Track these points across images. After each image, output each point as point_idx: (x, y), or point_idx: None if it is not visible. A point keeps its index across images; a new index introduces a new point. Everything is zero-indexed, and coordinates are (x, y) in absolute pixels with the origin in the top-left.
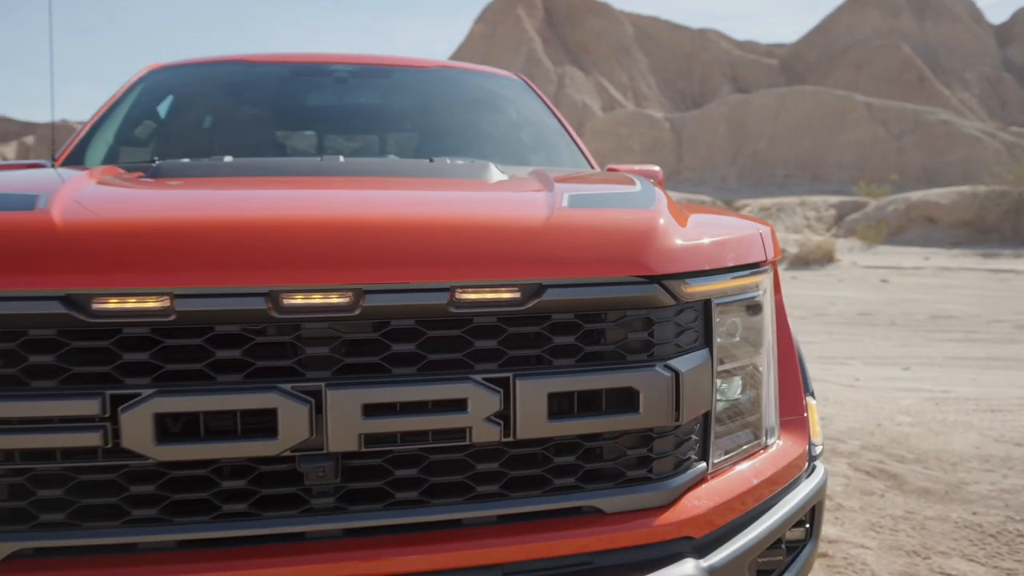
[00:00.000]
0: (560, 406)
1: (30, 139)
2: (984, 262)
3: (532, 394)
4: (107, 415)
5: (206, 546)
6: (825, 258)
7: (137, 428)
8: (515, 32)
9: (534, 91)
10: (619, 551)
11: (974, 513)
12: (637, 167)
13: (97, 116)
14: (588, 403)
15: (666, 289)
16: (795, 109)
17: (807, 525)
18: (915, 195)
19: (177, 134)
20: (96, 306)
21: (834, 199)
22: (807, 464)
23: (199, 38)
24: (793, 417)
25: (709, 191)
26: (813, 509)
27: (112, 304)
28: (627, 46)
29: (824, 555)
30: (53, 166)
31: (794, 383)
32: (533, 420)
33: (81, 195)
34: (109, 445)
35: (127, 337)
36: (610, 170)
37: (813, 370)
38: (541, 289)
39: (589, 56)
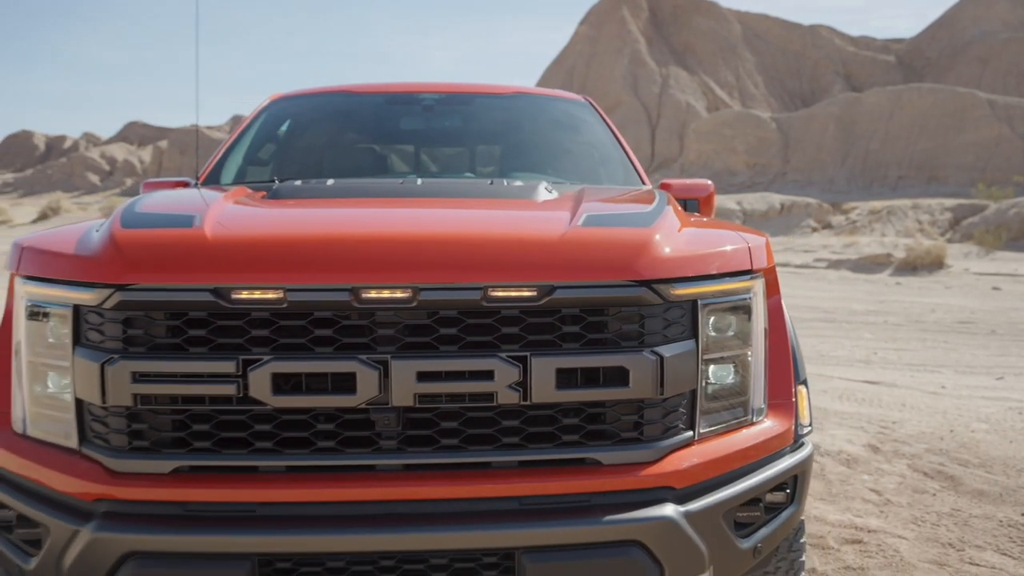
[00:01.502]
0: (566, 379)
1: (164, 143)
2: None
3: (543, 368)
4: (240, 373)
5: (305, 471)
6: (934, 263)
7: (260, 383)
8: (619, 33)
9: (598, 112)
10: (611, 493)
11: (1022, 514)
12: (689, 181)
13: (230, 140)
14: (588, 377)
15: (654, 291)
16: (911, 108)
17: (788, 491)
18: None
19: (293, 155)
20: (233, 296)
21: (950, 202)
22: (793, 440)
23: (315, 45)
24: (781, 401)
25: (816, 193)
26: (796, 478)
27: (244, 295)
28: (734, 45)
29: (859, 541)
30: (196, 184)
31: (785, 372)
32: (543, 388)
33: (222, 215)
34: (240, 395)
35: (254, 318)
36: (663, 185)
37: (898, 377)
38: (553, 289)
39: (694, 56)
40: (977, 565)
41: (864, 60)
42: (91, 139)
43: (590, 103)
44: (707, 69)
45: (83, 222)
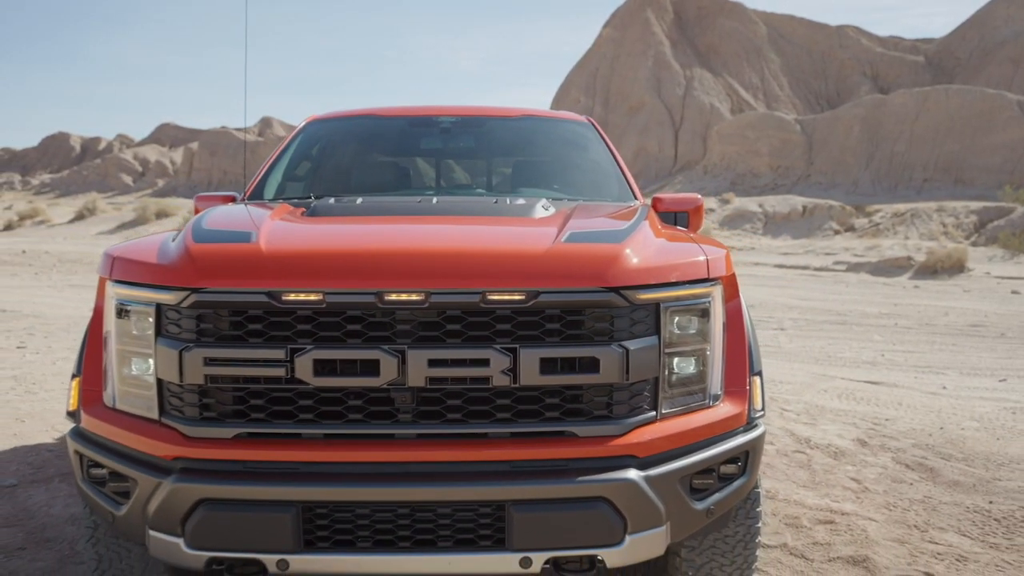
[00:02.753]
0: (548, 367)
1: (194, 145)
2: None
3: (529, 358)
4: (287, 359)
5: (338, 438)
6: (955, 267)
7: (303, 367)
8: (644, 35)
9: (599, 132)
10: (585, 459)
11: (990, 502)
12: (679, 196)
13: (271, 159)
14: (566, 365)
15: (622, 296)
16: (937, 109)
17: (740, 463)
18: None
19: (326, 172)
20: (283, 298)
21: (976, 205)
22: (747, 422)
23: (342, 47)
24: (736, 389)
25: (840, 195)
26: (747, 453)
27: (291, 297)
28: (759, 46)
29: (831, 522)
30: (243, 199)
31: (740, 365)
32: (530, 374)
33: (272, 232)
34: (288, 376)
35: (299, 315)
36: (655, 200)
37: (901, 378)
38: (538, 294)
39: (719, 57)
40: (935, 544)
41: (892, 61)
42: (124, 140)
43: (592, 124)
44: (731, 71)
45: (157, 234)
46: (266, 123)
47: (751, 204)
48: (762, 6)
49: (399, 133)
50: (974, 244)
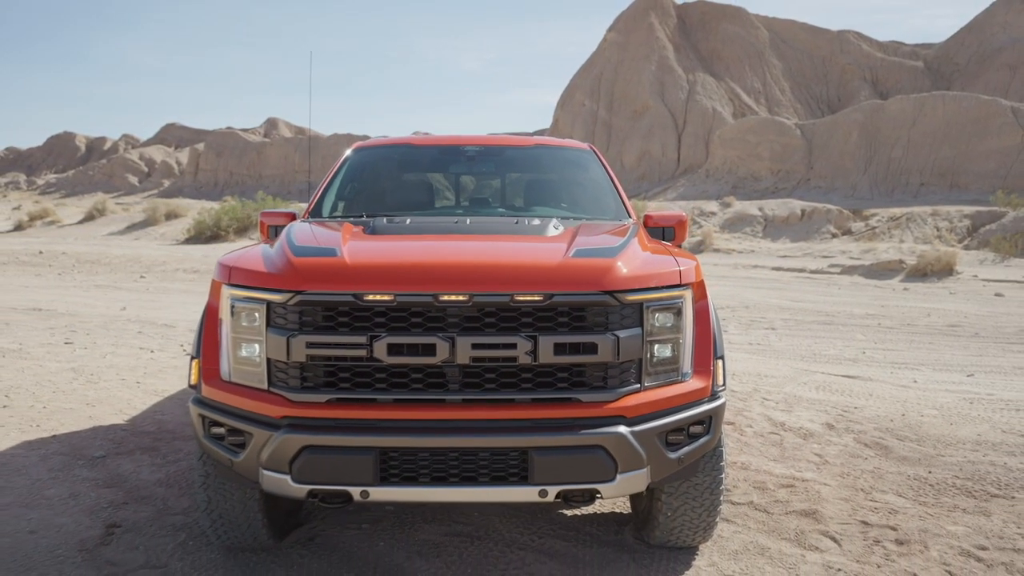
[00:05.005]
0: (560, 349)
1: (200, 146)
2: None
3: (546, 343)
4: (367, 343)
5: (405, 402)
6: (944, 270)
7: (379, 349)
8: (647, 40)
9: (599, 157)
10: (586, 418)
11: (929, 472)
12: (667, 213)
13: (325, 182)
14: (573, 348)
15: (615, 298)
16: (934, 115)
17: (704, 425)
18: None
19: (373, 194)
20: (364, 298)
21: (969, 209)
22: (711, 394)
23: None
24: (703, 368)
25: (838, 199)
26: (711, 417)
27: (370, 298)
28: (760, 51)
29: (791, 486)
30: (305, 216)
31: (706, 350)
32: (546, 354)
33: (352, 248)
34: (367, 356)
35: (376, 311)
36: (646, 217)
37: (877, 373)
38: (553, 296)
39: (721, 62)
40: (875, 502)
41: (892, 66)
42: (130, 141)
43: (593, 150)
44: (734, 75)
45: (253, 246)
46: (272, 124)
47: (751, 207)
48: (764, 11)
49: (432, 160)
50: (967, 248)
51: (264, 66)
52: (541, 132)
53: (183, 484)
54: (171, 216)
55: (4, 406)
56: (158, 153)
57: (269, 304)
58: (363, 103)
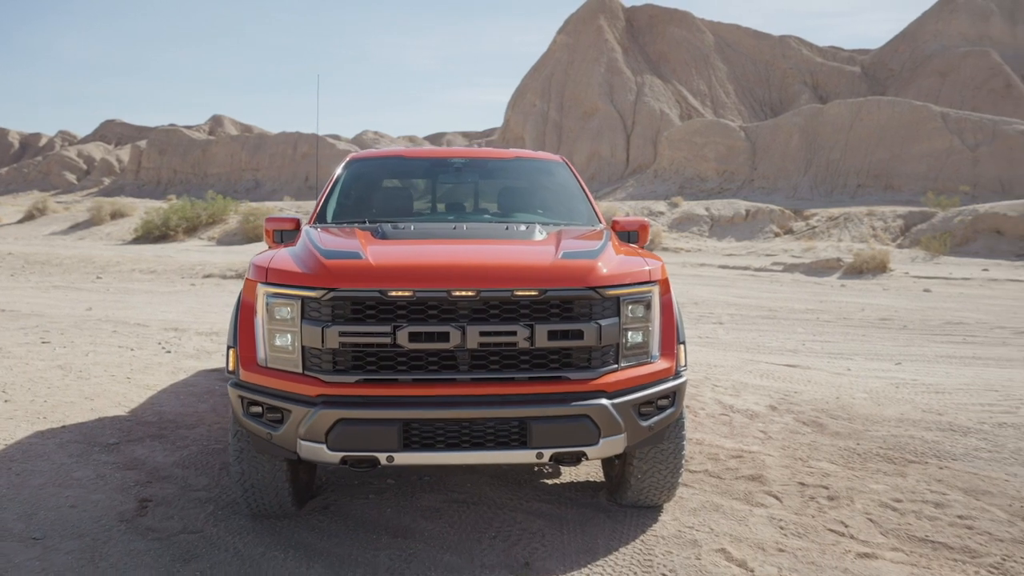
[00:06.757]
0: (553, 336)
1: (142, 143)
2: None
3: (541, 330)
4: (391, 332)
5: (423, 381)
6: (878, 268)
7: (401, 336)
8: (597, 42)
9: (571, 168)
10: (575, 393)
11: (857, 444)
12: (632, 219)
13: (326, 190)
14: (563, 335)
15: (597, 293)
16: (869, 119)
17: (669, 399)
18: (983, 207)
19: (370, 201)
20: (388, 294)
21: (902, 209)
22: (675, 373)
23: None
24: (668, 352)
25: (780, 200)
26: (675, 392)
27: (393, 294)
28: (706, 55)
29: (740, 457)
30: (311, 221)
31: (671, 337)
32: (541, 340)
33: (373, 251)
34: (391, 342)
35: (398, 304)
36: (613, 223)
37: (815, 362)
38: (546, 291)
39: (668, 65)
40: (811, 468)
41: (831, 71)
42: (67, 137)
43: (565, 162)
44: (681, 78)
45: (281, 249)
46: (217, 121)
47: (698, 208)
48: (710, 15)
49: (423, 170)
50: (900, 246)
51: (208, 63)
52: (492, 131)
53: (199, 465)
54: (116, 215)
55: (5, 401)
56: (97, 150)
57: (304, 300)
58: (312, 101)
